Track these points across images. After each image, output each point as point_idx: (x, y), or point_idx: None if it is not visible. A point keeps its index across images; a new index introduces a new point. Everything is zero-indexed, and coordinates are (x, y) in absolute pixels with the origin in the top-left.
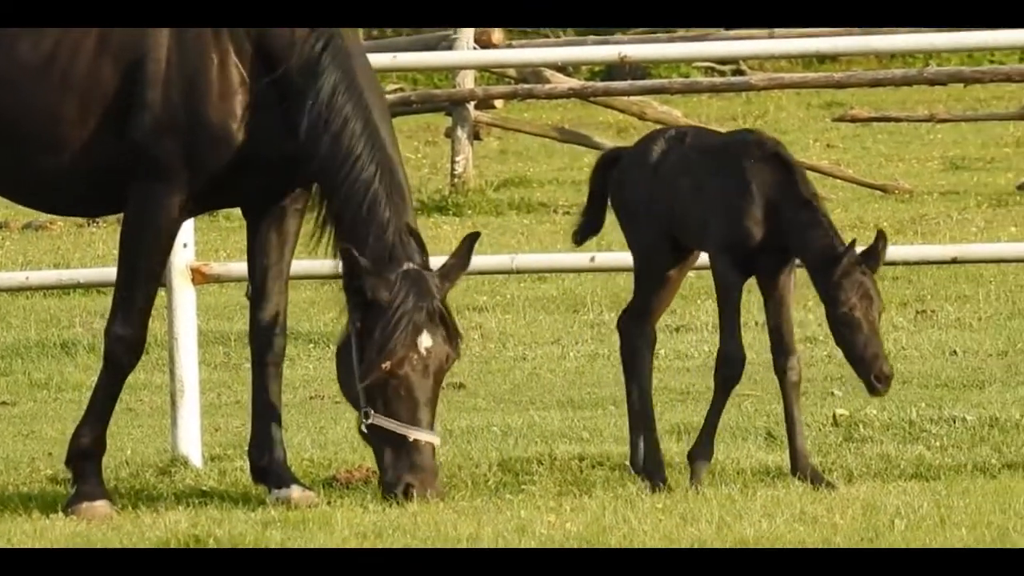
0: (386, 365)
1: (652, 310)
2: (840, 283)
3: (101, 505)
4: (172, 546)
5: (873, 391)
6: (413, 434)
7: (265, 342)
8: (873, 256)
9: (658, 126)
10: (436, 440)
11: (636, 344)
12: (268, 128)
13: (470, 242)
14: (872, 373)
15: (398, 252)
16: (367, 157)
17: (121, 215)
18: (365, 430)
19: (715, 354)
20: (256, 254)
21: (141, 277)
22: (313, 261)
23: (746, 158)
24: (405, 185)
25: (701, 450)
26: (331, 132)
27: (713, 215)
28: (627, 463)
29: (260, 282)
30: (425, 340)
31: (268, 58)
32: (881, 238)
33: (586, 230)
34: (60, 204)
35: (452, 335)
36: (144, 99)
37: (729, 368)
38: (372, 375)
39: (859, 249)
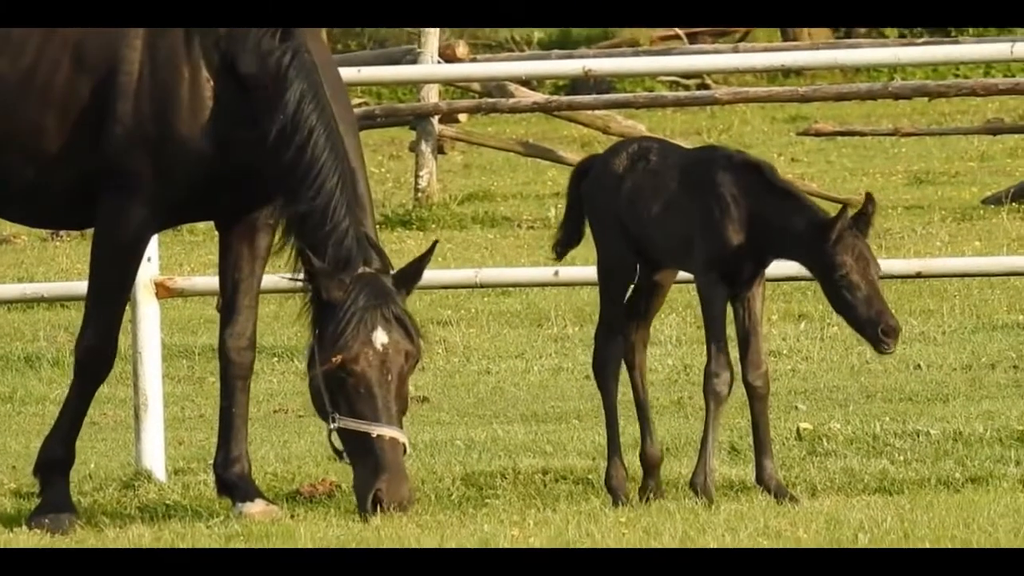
0: (337, 359)
1: (619, 323)
2: (834, 248)
3: (67, 516)
4: None
5: (881, 348)
6: (376, 430)
7: (234, 356)
8: (864, 219)
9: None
10: (401, 437)
11: (602, 358)
12: (237, 141)
13: (430, 249)
14: (879, 328)
15: (355, 257)
16: (329, 168)
17: (87, 229)
18: (334, 440)
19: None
20: (227, 269)
21: (111, 289)
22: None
23: (718, 173)
24: (367, 196)
25: (700, 471)
26: (295, 144)
27: (693, 234)
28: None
29: (231, 297)
30: (380, 336)
31: (236, 71)
32: (870, 201)
33: (565, 243)
34: (37, 216)
35: (411, 334)
36: (115, 112)
37: (720, 384)
38: (323, 370)
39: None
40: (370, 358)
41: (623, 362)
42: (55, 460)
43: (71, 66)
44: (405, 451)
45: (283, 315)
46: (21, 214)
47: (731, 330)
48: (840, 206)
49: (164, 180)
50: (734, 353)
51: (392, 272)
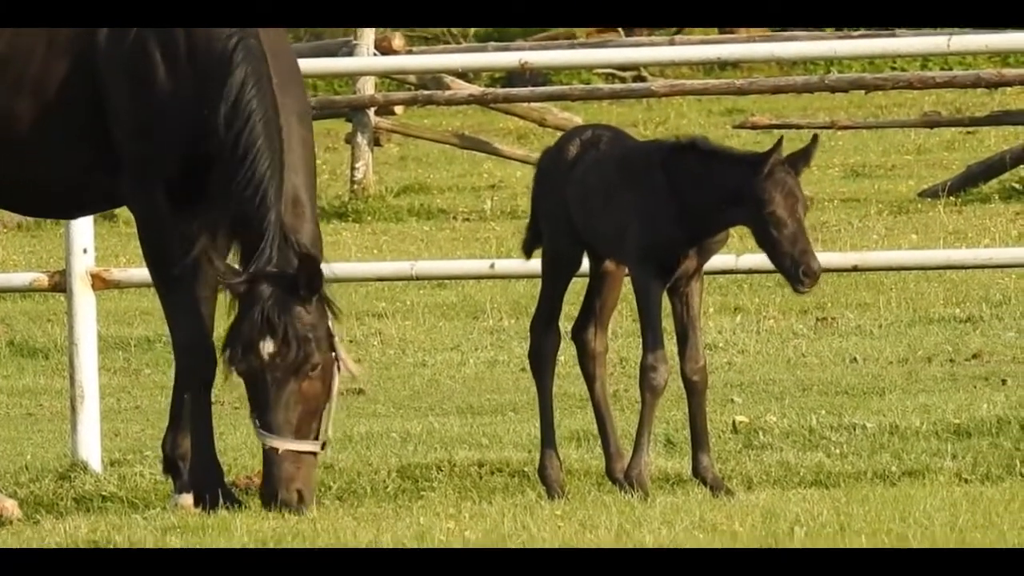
0: (228, 364)
1: (556, 314)
2: (764, 183)
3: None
4: None
5: (799, 286)
6: (259, 435)
7: None
8: (803, 157)
9: (558, 133)
10: (277, 443)
11: (537, 349)
12: (200, 126)
13: (310, 258)
14: (800, 268)
15: (267, 254)
16: (262, 158)
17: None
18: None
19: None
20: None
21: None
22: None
23: (653, 162)
24: (307, 188)
25: (635, 465)
26: (234, 130)
27: (628, 224)
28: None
29: None
30: (266, 345)
31: (195, 59)
32: (815, 141)
33: (532, 241)
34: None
35: (297, 340)
36: (101, 101)
37: (657, 376)
38: (224, 373)
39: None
40: (252, 363)
41: (583, 375)
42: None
43: (48, 54)
44: (323, 450)
45: (220, 305)
46: (11, 203)
47: (668, 323)
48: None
49: (160, 165)
50: (670, 346)
51: (301, 272)
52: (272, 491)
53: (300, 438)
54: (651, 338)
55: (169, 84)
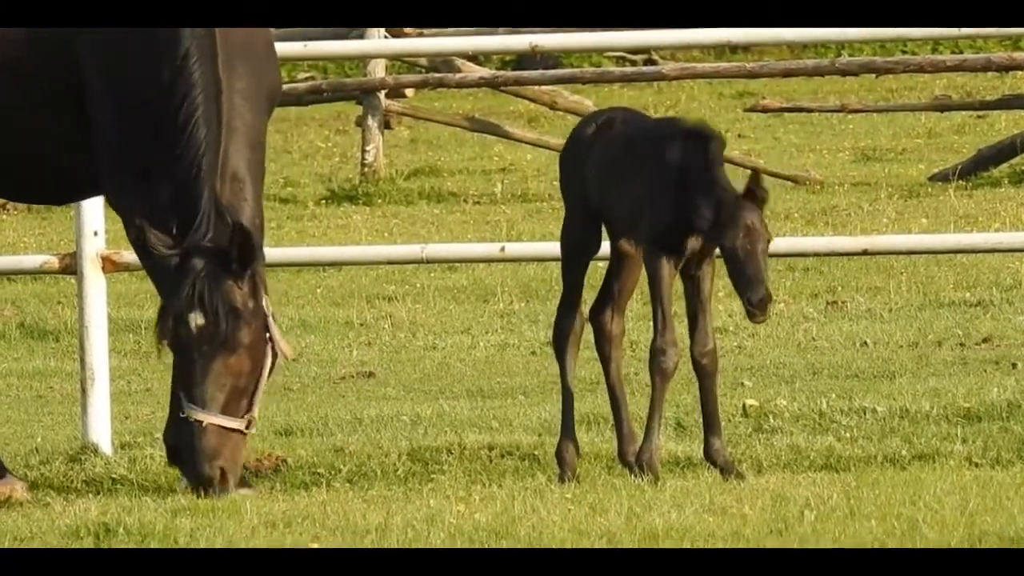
0: (158, 336)
1: (576, 297)
2: (729, 221)
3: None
4: (81, 534)
5: (751, 317)
6: (185, 407)
7: None
8: (753, 194)
9: (568, 116)
10: (201, 416)
11: (558, 331)
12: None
13: (244, 233)
14: (748, 297)
15: (200, 230)
16: (199, 132)
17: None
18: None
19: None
20: None
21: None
22: None
23: (666, 146)
24: (244, 166)
25: (647, 448)
26: (173, 105)
27: (640, 207)
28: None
29: None
30: (195, 318)
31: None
32: (754, 178)
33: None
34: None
35: (224, 314)
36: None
37: (667, 360)
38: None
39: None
40: (183, 338)
41: (599, 357)
42: None
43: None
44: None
45: None
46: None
47: (679, 307)
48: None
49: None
50: (681, 329)
51: (233, 246)
52: (194, 465)
53: (227, 414)
54: (661, 321)
55: (130, 65)
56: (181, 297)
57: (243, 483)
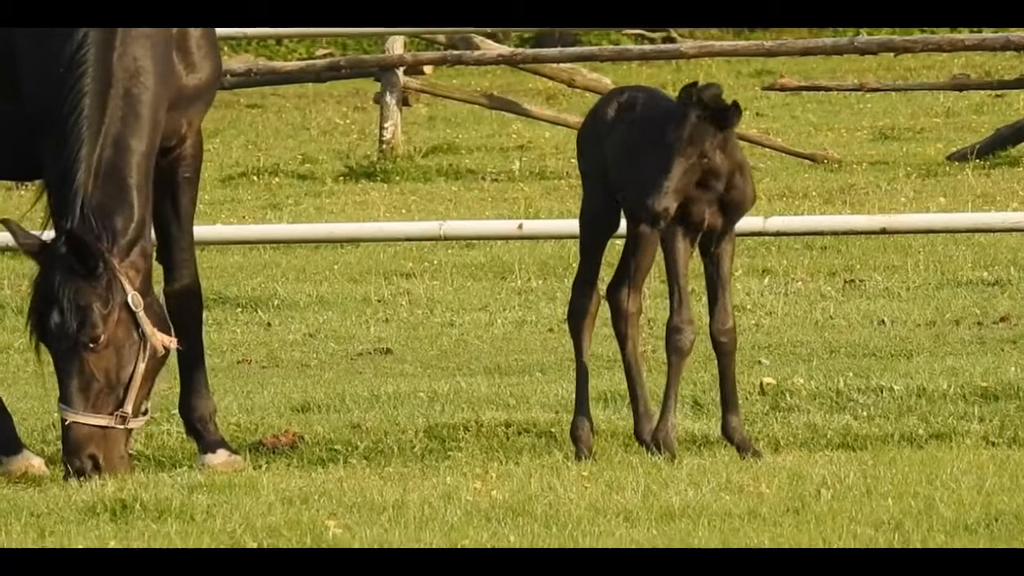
0: (29, 333)
1: (593, 275)
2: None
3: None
4: (98, 511)
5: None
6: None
7: (179, 309)
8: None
9: (587, 94)
10: (65, 415)
11: (574, 309)
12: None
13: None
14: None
15: (63, 224)
16: (80, 127)
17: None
18: None
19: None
20: (158, 225)
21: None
22: (239, 227)
23: (681, 125)
24: (130, 166)
25: (662, 426)
26: (66, 87)
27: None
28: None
29: (165, 254)
30: (53, 316)
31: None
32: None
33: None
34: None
35: (74, 312)
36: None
37: (683, 338)
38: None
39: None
40: (42, 336)
41: (616, 335)
42: (211, 412)
43: None
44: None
45: (247, 266)
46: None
47: (698, 285)
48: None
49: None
50: (700, 308)
51: (71, 252)
52: (65, 457)
53: (95, 411)
54: (677, 299)
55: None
56: (39, 295)
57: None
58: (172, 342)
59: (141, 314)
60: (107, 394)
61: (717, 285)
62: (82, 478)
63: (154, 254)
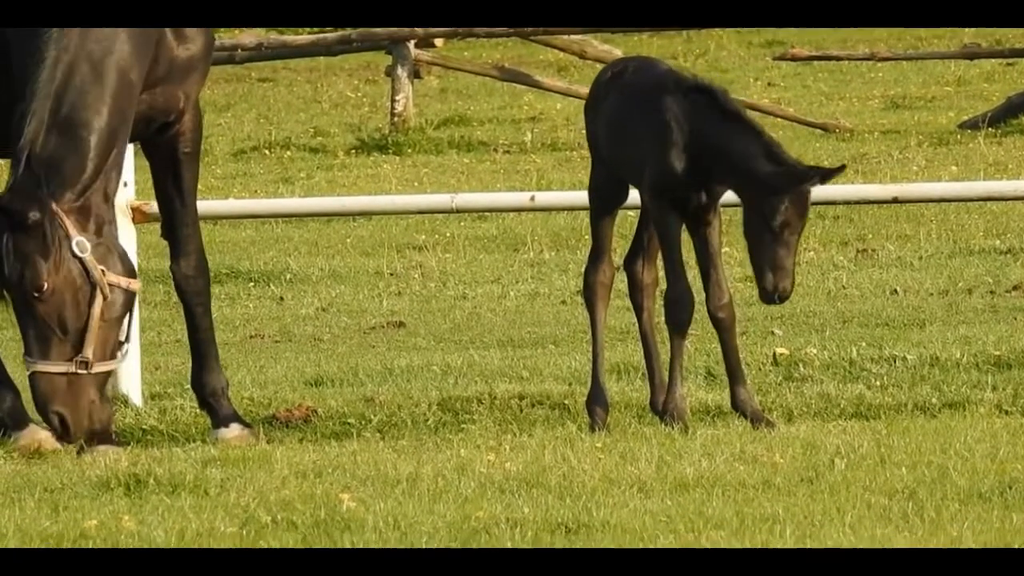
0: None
1: (606, 247)
2: (789, 200)
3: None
4: (112, 486)
5: (765, 299)
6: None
7: (183, 284)
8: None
9: (598, 65)
10: (28, 366)
11: (587, 280)
12: None
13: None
14: (776, 285)
15: (10, 181)
16: (41, 92)
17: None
18: None
19: (661, 292)
20: (161, 201)
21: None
22: (251, 201)
23: (667, 98)
24: (78, 118)
25: (672, 398)
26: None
27: (643, 159)
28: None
29: (169, 230)
30: (4, 268)
31: None
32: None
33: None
34: None
35: (12, 263)
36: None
37: (680, 310)
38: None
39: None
40: (10, 292)
41: (632, 306)
42: (223, 386)
43: None
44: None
45: (260, 240)
46: None
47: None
48: (840, 166)
49: None
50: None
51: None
52: (37, 411)
53: (54, 359)
54: (672, 273)
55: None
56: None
57: (107, 439)
58: (132, 283)
59: (88, 258)
60: (62, 341)
61: (708, 262)
62: (61, 439)
63: (159, 230)
